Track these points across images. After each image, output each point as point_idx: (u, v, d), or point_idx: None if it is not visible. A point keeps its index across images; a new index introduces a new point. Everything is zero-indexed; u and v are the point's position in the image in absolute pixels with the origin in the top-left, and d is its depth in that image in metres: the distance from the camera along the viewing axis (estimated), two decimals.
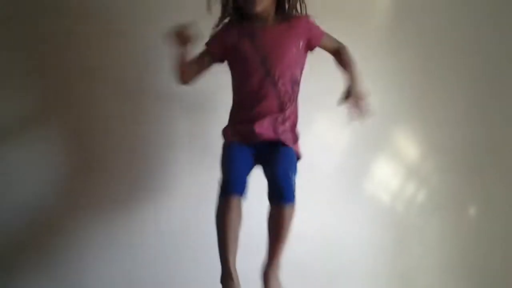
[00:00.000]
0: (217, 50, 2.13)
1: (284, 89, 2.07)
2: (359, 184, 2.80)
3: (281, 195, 1.88)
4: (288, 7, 2.10)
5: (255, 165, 2.06)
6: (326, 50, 2.19)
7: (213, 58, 2.15)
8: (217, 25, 2.13)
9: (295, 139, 2.14)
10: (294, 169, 2.01)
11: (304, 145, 2.70)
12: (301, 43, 2.10)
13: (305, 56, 2.16)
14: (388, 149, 2.86)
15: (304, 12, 2.13)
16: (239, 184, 1.92)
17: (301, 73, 2.15)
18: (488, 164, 2.89)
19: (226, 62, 2.16)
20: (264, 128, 2.05)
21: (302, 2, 2.13)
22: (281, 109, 2.08)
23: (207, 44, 2.15)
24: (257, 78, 2.05)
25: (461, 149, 2.88)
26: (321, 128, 2.79)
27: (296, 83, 2.12)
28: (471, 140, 2.88)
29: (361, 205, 2.78)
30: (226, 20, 2.13)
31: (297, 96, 2.15)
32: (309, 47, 2.15)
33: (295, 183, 1.94)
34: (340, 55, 2.17)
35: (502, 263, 2.88)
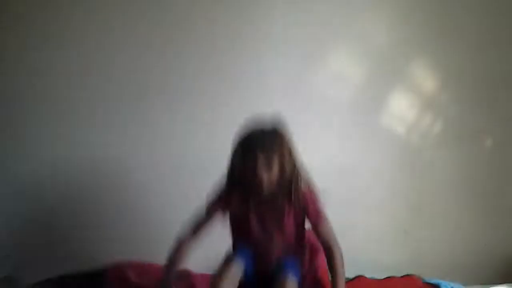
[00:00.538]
0: (217, 216, 2.09)
1: (280, 252, 2.07)
2: (375, 116, 2.80)
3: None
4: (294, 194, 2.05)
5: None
6: (317, 237, 2.07)
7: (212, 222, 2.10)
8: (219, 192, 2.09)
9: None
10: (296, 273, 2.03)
11: (320, 77, 2.74)
12: (301, 218, 2.08)
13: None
14: (405, 81, 2.84)
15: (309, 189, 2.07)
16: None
17: (304, 238, 2.14)
18: (505, 96, 2.87)
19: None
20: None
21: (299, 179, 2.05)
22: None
23: (208, 208, 2.09)
24: (256, 241, 2.05)
25: (478, 80, 2.84)
26: (337, 60, 2.77)
27: (292, 250, 2.10)
28: (488, 72, 2.84)
29: (377, 137, 2.79)
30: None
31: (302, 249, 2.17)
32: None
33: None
34: (328, 256, 2.04)
35: None
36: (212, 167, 2.03)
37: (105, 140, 2.61)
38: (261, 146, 1.96)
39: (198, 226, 2.08)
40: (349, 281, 2.25)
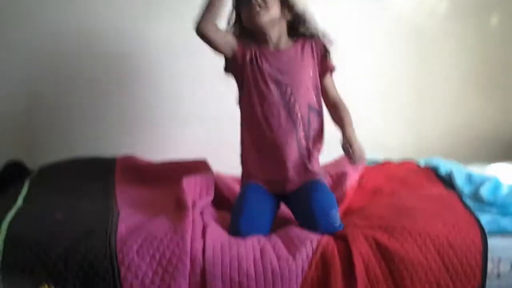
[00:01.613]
0: (239, 53, 1.92)
1: (301, 114, 1.89)
2: None
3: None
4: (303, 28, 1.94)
5: (276, 211, 1.92)
6: (323, 93, 1.97)
7: (232, 54, 1.92)
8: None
9: (322, 172, 2.00)
10: (333, 204, 1.84)
11: None
12: (316, 66, 1.94)
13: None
14: None
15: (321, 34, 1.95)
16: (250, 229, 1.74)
17: (318, 99, 1.96)
18: None
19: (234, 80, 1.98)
20: (294, 183, 1.89)
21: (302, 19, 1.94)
22: (299, 138, 1.90)
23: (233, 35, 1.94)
24: (272, 103, 1.88)
25: None
26: None
27: (314, 110, 1.93)
28: None
29: (382, 14, 2.72)
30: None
31: (320, 125, 1.96)
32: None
33: (338, 216, 1.80)
34: (335, 109, 1.96)
35: None
36: None
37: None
38: None
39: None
40: None
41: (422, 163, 2.33)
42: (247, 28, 1.91)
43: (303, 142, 1.90)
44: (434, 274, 1.59)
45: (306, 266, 1.57)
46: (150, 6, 2.54)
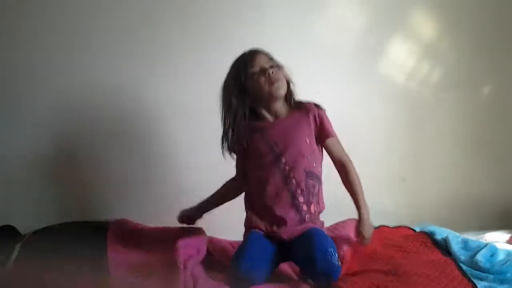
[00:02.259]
0: (238, 148, 2.04)
1: (297, 180, 1.95)
2: (373, 64, 2.78)
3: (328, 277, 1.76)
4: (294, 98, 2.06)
5: (279, 261, 1.95)
6: (329, 155, 2.04)
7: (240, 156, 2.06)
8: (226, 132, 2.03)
9: (321, 224, 2.04)
10: (332, 244, 1.85)
11: (319, 25, 2.70)
12: (313, 133, 2.01)
13: (320, 148, 2.05)
14: (404, 28, 2.82)
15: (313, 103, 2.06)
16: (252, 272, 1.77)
17: (319, 164, 2.03)
18: (503, 45, 2.85)
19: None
20: (290, 232, 1.93)
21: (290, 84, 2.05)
22: (297, 203, 1.95)
23: (228, 150, 2.05)
24: (270, 171, 1.95)
25: (477, 29, 2.83)
26: (337, 8, 2.74)
27: (312, 175, 1.98)
28: (486, 20, 2.83)
29: (375, 85, 2.78)
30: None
31: (317, 189, 2.01)
32: (317, 141, 2.04)
33: (336, 255, 1.81)
34: (344, 173, 2.01)
35: None
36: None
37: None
38: (258, 51, 2.00)
39: (237, 169, 2.09)
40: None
41: (417, 229, 2.32)
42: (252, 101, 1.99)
43: (303, 207, 1.93)
44: None
45: None
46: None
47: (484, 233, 2.40)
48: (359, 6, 2.74)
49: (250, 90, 1.97)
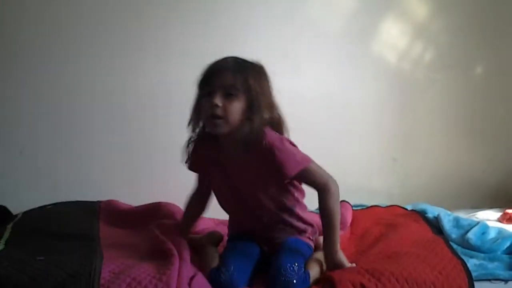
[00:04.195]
0: (198, 169, 1.85)
1: (269, 221, 1.79)
2: (365, 44, 2.77)
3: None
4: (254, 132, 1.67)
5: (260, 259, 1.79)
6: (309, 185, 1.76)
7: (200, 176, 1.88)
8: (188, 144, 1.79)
9: (301, 229, 1.84)
10: (300, 259, 1.69)
11: (312, 5, 2.68)
12: (274, 177, 1.71)
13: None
14: (396, 8, 2.80)
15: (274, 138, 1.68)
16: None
17: (291, 196, 1.79)
18: (495, 24, 2.85)
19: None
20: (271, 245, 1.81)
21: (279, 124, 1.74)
22: (269, 229, 1.81)
23: (187, 167, 1.84)
24: (235, 208, 1.84)
25: (470, 8, 2.82)
26: None
27: (285, 209, 1.79)
28: (479, 0, 2.83)
29: (367, 65, 2.78)
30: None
31: (295, 214, 1.81)
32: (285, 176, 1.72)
33: (304, 272, 1.65)
34: (320, 200, 1.72)
35: (505, 123, 2.93)
36: None
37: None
38: (225, 66, 1.65)
39: (197, 181, 1.91)
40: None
41: (409, 208, 2.34)
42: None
43: (280, 225, 1.82)
44: None
45: None
46: None
47: (476, 211, 2.42)
48: None
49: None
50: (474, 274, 1.69)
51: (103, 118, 2.58)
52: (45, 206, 2.26)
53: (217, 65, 1.67)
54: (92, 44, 2.53)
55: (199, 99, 1.70)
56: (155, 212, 2.05)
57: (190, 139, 1.78)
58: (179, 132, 2.44)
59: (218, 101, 1.61)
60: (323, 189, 1.70)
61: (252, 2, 2.63)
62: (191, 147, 1.79)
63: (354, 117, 2.77)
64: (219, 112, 1.62)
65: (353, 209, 2.28)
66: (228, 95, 1.63)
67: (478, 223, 2.06)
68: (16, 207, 2.31)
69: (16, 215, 2.21)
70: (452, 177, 2.86)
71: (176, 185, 2.50)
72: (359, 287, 1.58)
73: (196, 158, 1.80)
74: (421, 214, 2.21)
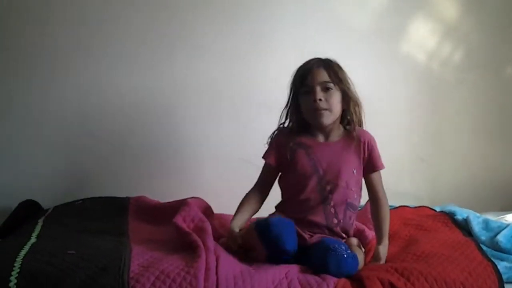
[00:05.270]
0: (273, 162, 1.95)
1: (334, 211, 1.88)
2: (395, 43, 2.75)
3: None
4: (352, 123, 1.93)
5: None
6: (368, 186, 1.95)
7: (272, 170, 1.97)
8: (277, 131, 1.97)
9: (342, 235, 1.93)
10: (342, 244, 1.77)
11: (341, 4, 2.67)
12: (361, 165, 1.92)
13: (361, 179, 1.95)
14: (426, 7, 2.77)
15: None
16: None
17: (359, 197, 1.95)
18: None
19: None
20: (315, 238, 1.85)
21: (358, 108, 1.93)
22: (329, 228, 1.88)
23: (264, 157, 1.97)
24: (310, 193, 1.87)
25: (500, 8, 2.78)
26: None
27: (351, 207, 1.91)
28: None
29: (396, 65, 2.75)
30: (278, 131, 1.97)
31: (353, 220, 1.94)
32: (364, 172, 1.94)
33: (352, 252, 1.73)
34: (377, 206, 1.92)
35: None
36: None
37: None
38: (317, 65, 1.86)
39: (259, 180, 1.99)
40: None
41: (438, 209, 2.32)
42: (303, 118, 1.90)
43: (337, 229, 1.89)
44: None
45: None
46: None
47: (505, 214, 2.39)
48: None
49: (301, 106, 1.90)
50: (504, 276, 1.67)
51: (131, 114, 2.60)
52: (75, 201, 2.30)
53: (308, 66, 1.87)
54: (124, 43, 2.56)
55: (295, 99, 1.91)
56: (182, 207, 2.06)
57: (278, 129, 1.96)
58: (207, 128, 2.50)
59: (320, 96, 1.82)
60: (385, 196, 1.94)
61: (279, 1, 2.63)
62: (276, 136, 1.95)
63: (383, 116, 2.73)
64: (323, 105, 1.82)
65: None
66: (326, 89, 1.84)
67: (507, 225, 2.03)
68: (47, 203, 2.36)
69: (46, 210, 2.26)
70: (481, 179, 2.82)
71: (203, 181, 2.57)
72: (388, 285, 1.59)
73: (279, 146, 1.93)
74: (450, 216, 2.19)
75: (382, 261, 1.80)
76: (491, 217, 2.22)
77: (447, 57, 2.80)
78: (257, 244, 1.71)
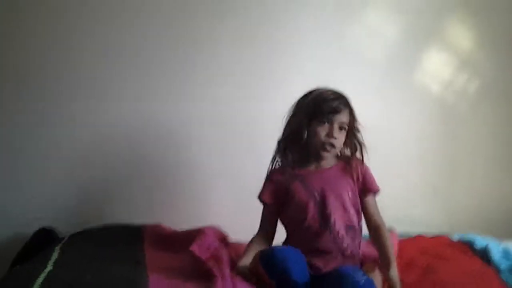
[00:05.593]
0: (271, 201, 1.98)
1: (340, 234, 1.88)
2: (409, 74, 2.78)
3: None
4: (349, 151, 1.99)
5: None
6: (364, 212, 1.97)
7: (271, 209, 1.99)
8: (271, 168, 2.00)
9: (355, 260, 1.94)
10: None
11: (355, 33, 2.69)
12: (356, 187, 1.95)
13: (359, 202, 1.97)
14: (441, 38, 2.80)
15: (361, 158, 1.99)
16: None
17: (359, 219, 1.96)
18: None
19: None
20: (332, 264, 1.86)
21: (363, 148, 1.98)
22: (341, 253, 1.89)
23: (260, 198, 1.99)
24: (312, 219, 1.89)
25: None
26: (371, 16, 2.74)
27: (353, 229, 1.92)
28: None
29: (411, 95, 2.77)
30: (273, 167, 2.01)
31: (356, 242, 1.94)
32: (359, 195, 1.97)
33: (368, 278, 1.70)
34: (377, 234, 1.92)
35: None
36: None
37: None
38: (343, 105, 1.90)
39: (262, 224, 1.99)
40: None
41: (456, 238, 2.29)
42: (304, 144, 1.92)
43: (348, 252, 1.89)
44: None
45: None
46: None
47: None
48: (396, 15, 2.74)
49: (309, 132, 1.92)
50: None
51: (146, 143, 2.62)
52: (91, 229, 2.30)
53: (336, 103, 1.89)
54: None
55: (306, 124, 1.90)
56: (198, 236, 2.06)
57: (274, 158, 1.99)
58: (223, 155, 2.48)
59: (336, 134, 1.88)
60: (384, 224, 1.94)
61: (298, 26, 2.66)
62: (270, 174, 1.99)
63: (396, 146, 2.75)
64: (335, 143, 1.89)
65: (398, 238, 2.24)
66: (340, 129, 1.90)
67: None
68: (62, 231, 2.37)
69: (62, 238, 2.26)
70: (498, 205, 2.81)
71: (218, 211, 2.57)
72: None
73: (274, 184, 1.96)
74: (470, 244, 2.16)
75: (399, 286, 1.77)
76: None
77: (461, 89, 2.82)
78: (263, 275, 1.71)
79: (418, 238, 2.33)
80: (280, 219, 2.00)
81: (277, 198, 1.96)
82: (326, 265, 1.84)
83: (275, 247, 1.78)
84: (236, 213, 2.56)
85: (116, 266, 1.86)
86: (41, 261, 1.92)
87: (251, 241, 1.96)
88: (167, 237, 2.22)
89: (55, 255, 1.99)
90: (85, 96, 2.55)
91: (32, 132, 2.52)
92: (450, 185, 2.83)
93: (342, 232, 1.88)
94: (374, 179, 1.98)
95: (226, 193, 2.63)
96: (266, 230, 1.99)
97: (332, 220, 1.87)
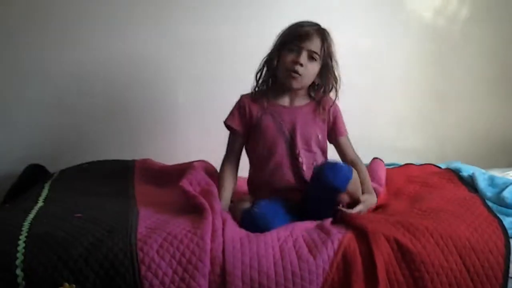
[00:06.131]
0: (240, 128, 1.95)
1: (306, 174, 1.90)
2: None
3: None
4: (323, 90, 1.95)
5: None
6: (340, 153, 2.00)
7: (239, 136, 1.97)
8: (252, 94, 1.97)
9: None
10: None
11: None
12: (324, 129, 1.96)
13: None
14: None
15: (334, 97, 1.96)
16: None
17: (324, 159, 1.97)
18: None
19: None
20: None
21: (337, 84, 1.94)
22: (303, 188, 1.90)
23: (227, 125, 1.97)
24: (279, 157, 1.90)
25: None
26: None
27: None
28: None
29: (402, 22, 2.72)
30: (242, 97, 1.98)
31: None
32: (328, 138, 1.99)
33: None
34: (355, 168, 1.84)
35: None
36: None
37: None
38: (315, 32, 1.86)
39: (228, 151, 2.00)
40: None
41: (443, 166, 2.31)
42: (276, 74, 1.92)
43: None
44: (455, 276, 1.57)
45: (327, 267, 1.55)
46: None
47: (511, 170, 2.39)
48: None
49: (279, 60, 1.90)
50: (510, 232, 1.68)
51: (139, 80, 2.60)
52: (81, 164, 2.30)
53: (307, 30, 1.86)
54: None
55: (277, 53, 1.89)
56: (188, 171, 2.07)
57: (255, 88, 1.98)
58: (215, 93, 2.46)
59: (303, 60, 1.83)
60: (360, 160, 1.97)
61: None
62: (240, 101, 1.97)
63: (388, 74, 2.73)
64: (300, 70, 1.84)
65: (386, 168, 2.26)
66: (311, 58, 1.85)
67: None
68: (53, 166, 2.37)
69: (52, 174, 2.27)
70: (486, 136, 2.83)
71: (211, 144, 2.57)
72: (393, 241, 1.60)
73: (243, 112, 1.95)
74: (456, 172, 2.19)
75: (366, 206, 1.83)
76: (497, 173, 2.23)
77: (453, 13, 2.76)
78: None
79: (406, 167, 2.35)
80: (246, 150, 2.01)
81: (245, 126, 1.96)
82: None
83: (256, 214, 1.74)
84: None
85: (106, 200, 1.89)
86: (32, 197, 1.94)
87: (221, 175, 1.97)
88: (157, 172, 2.24)
89: (45, 191, 2.02)
90: (70, 34, 2.51)
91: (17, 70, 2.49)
92: (442, 113, 2.83)
93: (308, 172, 1.89)
94: (343, 123, 2.00)
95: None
96: (234, 157, 1.99)
97: (300, 160, 1.91)
